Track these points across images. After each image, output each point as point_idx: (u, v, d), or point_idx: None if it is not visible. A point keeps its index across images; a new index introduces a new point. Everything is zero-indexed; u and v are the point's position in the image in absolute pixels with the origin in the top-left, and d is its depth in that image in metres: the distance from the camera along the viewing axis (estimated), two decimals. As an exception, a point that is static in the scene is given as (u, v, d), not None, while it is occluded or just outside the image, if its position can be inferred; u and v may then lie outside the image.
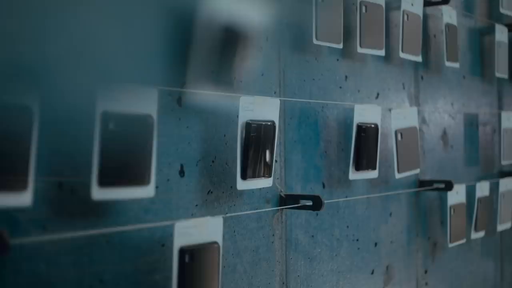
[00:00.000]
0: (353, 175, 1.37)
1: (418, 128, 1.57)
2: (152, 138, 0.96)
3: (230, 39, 1.10)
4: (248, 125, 1.11)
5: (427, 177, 1.69)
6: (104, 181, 0.91)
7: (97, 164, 0.90)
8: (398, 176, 1.49)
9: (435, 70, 1.72)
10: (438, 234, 1.72)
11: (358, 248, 1.46)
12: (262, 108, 1.15)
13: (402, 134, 1.49)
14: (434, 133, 1.73)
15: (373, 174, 1.42)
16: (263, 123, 1.14)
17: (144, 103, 0.94)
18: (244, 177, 1.12)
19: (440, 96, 1.76)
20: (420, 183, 1.65)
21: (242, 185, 1.12)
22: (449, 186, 1.63)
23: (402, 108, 1.56)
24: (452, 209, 1.65)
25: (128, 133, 0.93)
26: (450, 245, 1.66)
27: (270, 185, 1.18)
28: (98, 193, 0.91)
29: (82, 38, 0.89)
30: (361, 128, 1.37)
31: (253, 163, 1.12)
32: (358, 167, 1.38)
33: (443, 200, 1.70)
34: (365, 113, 1.39)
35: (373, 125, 1.40)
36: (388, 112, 1.51)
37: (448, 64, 1.69)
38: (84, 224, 0.94)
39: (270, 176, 1.17)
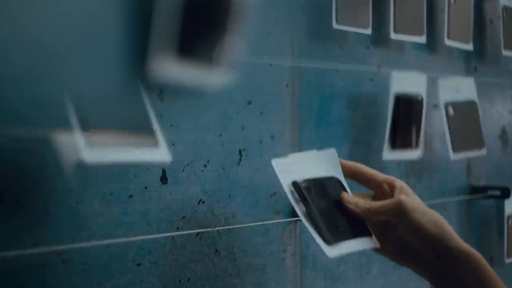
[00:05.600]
0: (389, 154, 1.18)
1: (477, 102, 1.35)
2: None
3: (226, 19, 0.92)
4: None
5: (482, 182, 1.48)
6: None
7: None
8: (453, 157, 1.28)
9: (492, 60, 1.51)
10: (495, 248, 1.50)
11: (394, 266, 1.26)
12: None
13: (455, 107, 1.28)
14: (490, 132, 1.52)
15: (414, 153, 1.22)
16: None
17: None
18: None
19: (498, 89, 1.54)
20: (472, 189, 1.44)
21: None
22: (505, 193, 1.42)
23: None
24: (510, 219, 1.44)
25: None
26: (508, 260, 1.45)
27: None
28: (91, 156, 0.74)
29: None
30: (400, 100, 1.18)
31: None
32: (394, 145, 1.19)
33: (500, 209, 1.49)
34: (406, 82, 1.20)
35: (417, 97, 1.21)
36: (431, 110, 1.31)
37: (506, 53, 1.48)
38: (33, 239, 0.79)
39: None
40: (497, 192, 1.43)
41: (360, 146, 1.19)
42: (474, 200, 1.45)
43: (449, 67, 1.40)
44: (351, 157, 1.17)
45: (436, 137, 1.33)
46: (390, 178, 0.96)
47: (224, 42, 0.83)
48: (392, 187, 0.95)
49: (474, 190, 1.44)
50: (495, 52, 1.50)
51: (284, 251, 1.07)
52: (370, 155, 1.21)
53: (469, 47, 1.38)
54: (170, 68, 0.81)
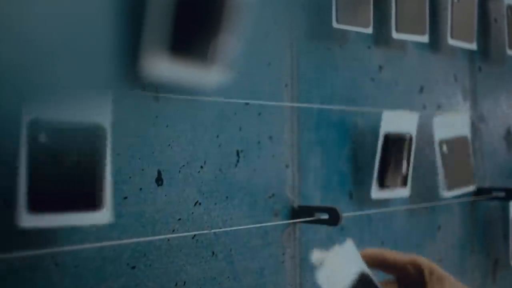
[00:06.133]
0: (377, 193, 1.16)
1: (469, 138, 1.33)
2: (103, 152, 0.78)
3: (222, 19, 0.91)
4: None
5: (486, 184, 1.45)
6: (37, 206, 0.73)
7: (25, 185, 0.72)
8: (447, 195, 1.26)
9: (497, 60, 1.49)
10: (500, 250, 1.48)
11: (397, 268, 1.24)
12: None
13: (448, 146, 1.27)
14: (495, 133, 1.50)
15: (402, 192, 1.20)
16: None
17: (93, 109, 0.77)
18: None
19: (502, 89, 1.52)
20: (476, 190, 1.42)
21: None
22: (510, 194, 1.40)
23: (448, 113, 1.33)
24: (515, 222, 1.42)
25: (66, 146, 0.75)
26: (513, 263, 1.43)
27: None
28: (28, 220, 0.73)
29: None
30: (388, 139, 1.16)
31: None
32: (382, 184, 1.16)
33: (505, 211, 1.46)
34: (397, 121, 1.18)
35: (406, 135, 1.19)
36: (434, 110, 1.29)
37: (510, 53, 1.46)
38: (25, 242, 0.77)
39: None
40: (502, 194, 1.41)
41: (362, 148, 1.17)
42: (478, 202, 1.43)
43: (453, 67, 1.38)
44: (353, 160, 1.15)
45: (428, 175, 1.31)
46: (414, 259, 0.89)
47: (219, 41, 0.82)
48: (418, 269, 0.88)
49: (479, 191, 1.42)
50: (499, 51, 1.48)
51: (283, 254, 1.05)
52: (371, 157, 1.19)
53: (473, 46, 1.36)
54: (164, 68, 0.80)
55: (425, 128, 1.27)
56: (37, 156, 0.72)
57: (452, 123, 1.29)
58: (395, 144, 1.17)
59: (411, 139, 1.20)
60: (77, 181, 0.76)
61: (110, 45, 0.78)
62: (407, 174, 1.20)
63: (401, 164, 1.19)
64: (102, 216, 0.79)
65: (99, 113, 0.78)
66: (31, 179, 0.72)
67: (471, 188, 1.34)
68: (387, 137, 1.15)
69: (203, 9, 0.80)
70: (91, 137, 0.77)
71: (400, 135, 1.18)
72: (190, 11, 0.78)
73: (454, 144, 1.29)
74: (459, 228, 1.39)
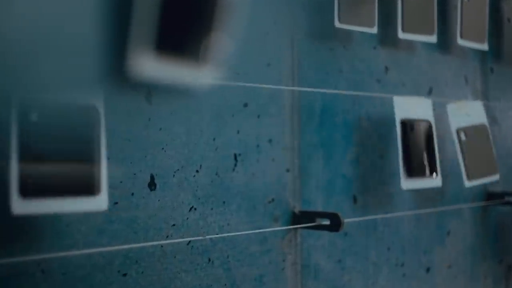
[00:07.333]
0: (406, 183, 1.12)
1: (487, 125, 1.29)
2: (97, 134, 0.76)
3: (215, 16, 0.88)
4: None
5: (499, 188, 1.41)
6: (29, 190, 0.71)
7: (17, 169, 0.70)
8: (468, 184, 1.22)
9: (510, 60, 1.45)
10: (513, 256, 1.44)
11: (404, 275, 1.21)
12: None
13: (466, 133, 1.23)
14: (508, 135, 1.45)
15: (434, 181, 1.16)
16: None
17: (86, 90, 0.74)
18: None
19: (516, 91, 1.48)
20: (488, 195, 1.38)
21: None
22: (523, 199, 1.36)
23: (461, 102, 1.29)
24: (528, 227, 1.38)
25: (60, 127, 0.73)
26: (527, 270, 1.39)
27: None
28: (20, 206, 0.71)
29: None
30: (406, 125, 1.12)
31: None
32: (410, 173, 1.13)
33: (519, 216, 1.42)
34: (409, 107, 1.14)
35: (424, 122, 1.15)
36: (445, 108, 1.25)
37: (524, 53, 1.42)
38: (9, 247, 0.75)
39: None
40: (514, 198, 1.37)
41: (366, 151, 1.14)
42: (490, 207, 1.39)
43: (463, 68, 1.34)
44: (357, 163, 1.12)
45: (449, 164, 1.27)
46: None
47: (211, 39, 0.79)
48: None
49: (491, 196, 1.38)
50: (512, 52, 1.44)
51: (284, 260, 1.02)
52: (376, 160, 1.15)
53: (484, 47, 1.32)
54: (153, 67, 0.77)
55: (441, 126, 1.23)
56: (28, 137, 0.70)
57: (466, 112, 1.25)
58: (414, 130, 1.13)
59: (430, 125, 1.16)
60: (72, 163, 0.73)
61: (96, 44, 0.75)
62: (435, 162, 1.16)
63: (425, 152, 1.15)
64: (99, 202, 0.76)
65: (92, 95, 0.75)
66: (22, 162, 0.70)
67: (495, 177, 1.29)
68: (404, 123, 1.12)
69: (193, 6, 0.77)
70: (85, 118, 0.74)
71: (417, 121, 1.14)
72: (180, 9, 0.76)
73: (473, 132, 1.24)
74: (470, 233, 1.35)
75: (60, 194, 0.73)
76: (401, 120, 1.12)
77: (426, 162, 1.16)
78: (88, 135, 0.75)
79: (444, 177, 1.23)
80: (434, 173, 1.17)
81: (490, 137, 1.29)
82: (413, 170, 1.13)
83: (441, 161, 1.21)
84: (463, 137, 1.22)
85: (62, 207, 0.74)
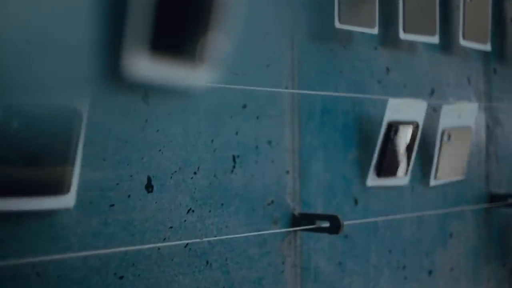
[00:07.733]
0: (373, 181, 1.11)
1: (472, 129, 1.28)
2: (76, 135, 0.74)
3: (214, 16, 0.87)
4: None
5: (502, 190, 1.40)
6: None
7: None
8: (433, 183, 1.22)
9: (513, 61, 1.44)
10: (517, 259, 1.43)
11: (405, 278, 1.20)
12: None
13: (450, 134, 1.22)
14: (511, 136, 1.44)
15: (401, 180, 1.16)
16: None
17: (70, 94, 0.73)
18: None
19: (519, 92, 1.47)
20: (491, 197, 1.37)
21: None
22: (527, 201, 1.35)
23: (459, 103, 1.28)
24: (532, 229, 1.37)
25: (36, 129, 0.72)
26: (530, 273, 1.37)
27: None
28: None
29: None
30: (391, 127, 1.11)
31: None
32: (379, 172, 1.12)
33: (522, 218, 1.41)
34: (402, 109, 1.13)
35: (411, 124, 1.14)
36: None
37: (527, 54, 1.41)
38: (4, 250, 0.74)
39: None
40: (518, 200, 1.36)
41: (367, 152, 1.13)
42: (493, 209, 1.38)
43: (466, 69, 1.33)
44: (358, 164, 1.11)
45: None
46: None
47: (207, 40, 0.78)
48: None
49: (494, 198, 1.37)
50: (516, 53, 1.43)
51: (283, 263, 1.01)
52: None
53: (487, 47, 1.31)
54: (148, 67, 0.76)
55: (434, 127, 1.22)
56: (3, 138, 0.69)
57: (459, 114, 1.24)
58: (398, 132, 1.12)
59: (417, 126, 1.15)
60: (44, 164, 0.73)
61: (91, 44, 0.74)
62: (409, 163, 1.16)
63: (402, 152, 1.14)
64: (66, 200, 0.75)
65: (76, 98, 0.74)
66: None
67: (457, 177, 1.28)
68: (390, 125, 1.11)
69: (189, 6, 0.76)
70: (65, 120, 0.73)
71: (404, 123, 1.13)
72: (176, 8, 0.75)
73: (457, 134, 1.24)
74: (473, 235, 1.34)
75: (31, 194, 0.73)
76: (388, 122, 1.11)
77: (401, 163, 1.15)
78: (64, 137, 0.74)
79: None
80: (405, 173, 1.16)
81: (470, 140, 1.28)
82: (383, 170, 1.12)
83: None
84: (446, 138, 1.22)
85: (31, 205, 0.73)
